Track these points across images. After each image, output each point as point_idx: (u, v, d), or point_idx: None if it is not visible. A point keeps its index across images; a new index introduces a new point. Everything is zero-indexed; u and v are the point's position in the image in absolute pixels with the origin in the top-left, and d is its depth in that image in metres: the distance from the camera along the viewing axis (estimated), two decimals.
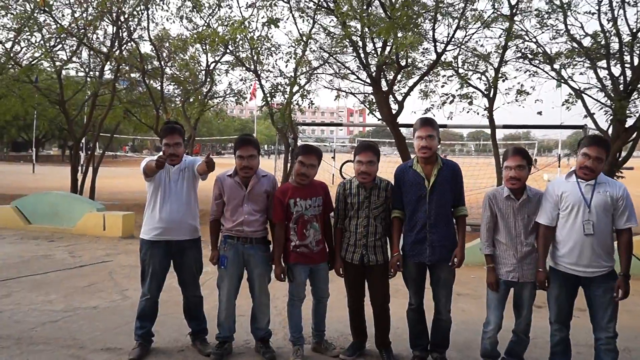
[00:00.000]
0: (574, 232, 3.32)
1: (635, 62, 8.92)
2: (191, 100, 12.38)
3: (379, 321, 3.86)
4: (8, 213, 9.64)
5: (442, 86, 9.56)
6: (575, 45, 9.43)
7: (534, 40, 9.50)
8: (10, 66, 11.63)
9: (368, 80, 9.71)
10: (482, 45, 9.69)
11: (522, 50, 9.47)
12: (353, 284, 3.87)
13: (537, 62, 9.88)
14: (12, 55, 11.53)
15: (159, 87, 12.20)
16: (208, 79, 12.13)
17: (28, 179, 22.82)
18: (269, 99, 10.06)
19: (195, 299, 4.04)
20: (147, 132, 15.00)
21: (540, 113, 10.04)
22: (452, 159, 3.92)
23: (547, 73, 9.52)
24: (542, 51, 9.61)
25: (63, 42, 11.97)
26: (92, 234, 8.92)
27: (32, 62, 11.37)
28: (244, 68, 10.78)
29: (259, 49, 9.96)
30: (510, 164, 3.48)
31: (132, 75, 12.96)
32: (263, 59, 10.57)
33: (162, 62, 11.32)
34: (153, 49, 10.83)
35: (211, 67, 11.91)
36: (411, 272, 3.74)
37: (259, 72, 10.66)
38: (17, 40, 11.61)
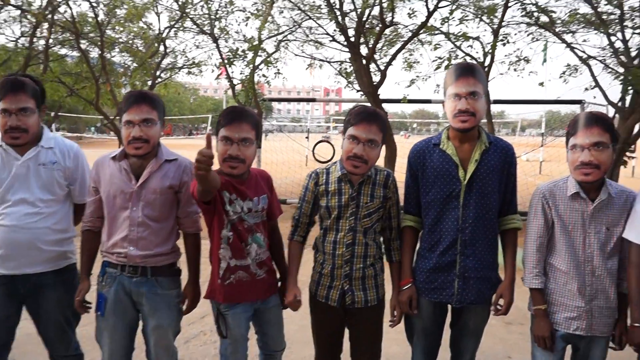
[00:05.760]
0: None
1: None
2: (143, 72, 10.72)
3: None
4: None
5: (435, 49, 8.12)
6: (584, 6, 8.14)
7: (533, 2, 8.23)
8: None
9: (346, 46, 8.24)
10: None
11: (526, 8, 8.10)
12: (326, 335, 2.43)
13: (540, 24, 8.57)
14: None
15: (108, 56, 10.53)
16: (161, 47, 10.45)
17: None
18: (227, 65, 8.48)
19: None
20: (113, 108, 12.74)
21: (542, 84, 8.78)
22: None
23: (556, 36, 8.20)
24: (542, 12, 8.31)
25: None
26: None
27: None
28: (199, 30, 9.11)
29: (212, 4, 8.34)
30: (581, 140, 2.08)
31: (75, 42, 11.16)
32: (223, 21, 8.95)
33: (101, 24, 9.55)
34: (90, 6, 9.10)
35: (164, 34, 10.22)
36: (424, 319, 2.32)
37: (218, 37, 9.03)
38: None
